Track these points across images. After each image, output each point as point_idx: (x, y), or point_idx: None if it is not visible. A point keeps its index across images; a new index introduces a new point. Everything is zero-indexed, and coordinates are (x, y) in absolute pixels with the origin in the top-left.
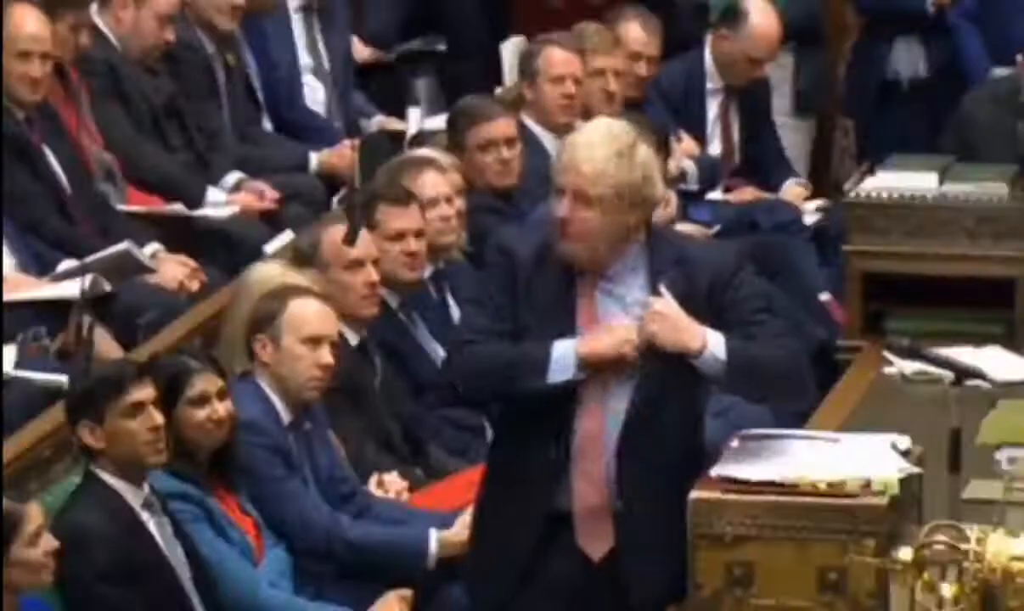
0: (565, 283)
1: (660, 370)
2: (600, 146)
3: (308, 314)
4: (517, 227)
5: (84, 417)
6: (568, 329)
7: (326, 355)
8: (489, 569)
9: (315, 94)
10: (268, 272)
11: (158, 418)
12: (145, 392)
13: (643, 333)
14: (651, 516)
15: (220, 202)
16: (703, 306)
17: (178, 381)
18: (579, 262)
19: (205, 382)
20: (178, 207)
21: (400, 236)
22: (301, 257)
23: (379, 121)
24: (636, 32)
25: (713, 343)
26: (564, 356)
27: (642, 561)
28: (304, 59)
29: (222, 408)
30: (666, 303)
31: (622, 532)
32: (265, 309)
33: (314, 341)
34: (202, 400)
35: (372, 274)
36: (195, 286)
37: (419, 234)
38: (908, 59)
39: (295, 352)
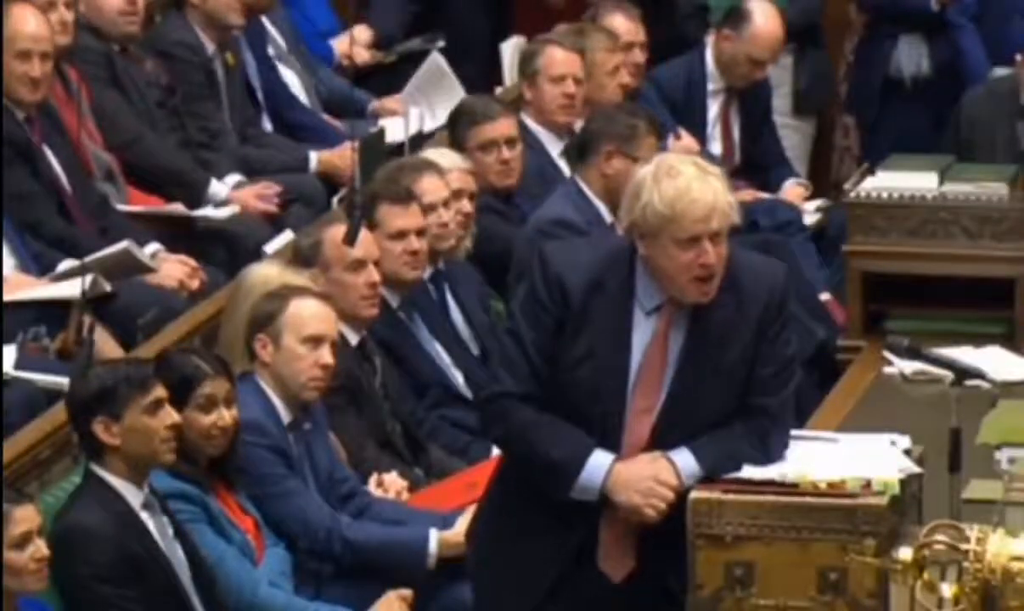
0: (624, 312)
1: (692, 402)
2: (714, 178)
3: (308, 314)
4: (563, 247)
5: (102, 413)
6: (625, 359)
7: (326, 355)
8: (509, 586)
9: (290, 81)
10: (268, 272)
11: (175, 416)
12: (162, 390)
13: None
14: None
15: (221, 197)
16: (750, 332)
17: (188, 383)
18: (707, 299)
19: (215, 386)
20: (178, 207)
21: (402, 235)
22: (303, 257)
23: (374, 107)
24: (622, 23)
25: (687, 474)
26: (591, 480)
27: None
28: (269, 51)
29: (228, 416)
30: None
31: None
32: (265, 309)
33: (314, 341)
34: (210, 405)
35: (373, 274)
36: (195, 284)
37: (420, 233)
38: (911, 57)
39: (295, 352)
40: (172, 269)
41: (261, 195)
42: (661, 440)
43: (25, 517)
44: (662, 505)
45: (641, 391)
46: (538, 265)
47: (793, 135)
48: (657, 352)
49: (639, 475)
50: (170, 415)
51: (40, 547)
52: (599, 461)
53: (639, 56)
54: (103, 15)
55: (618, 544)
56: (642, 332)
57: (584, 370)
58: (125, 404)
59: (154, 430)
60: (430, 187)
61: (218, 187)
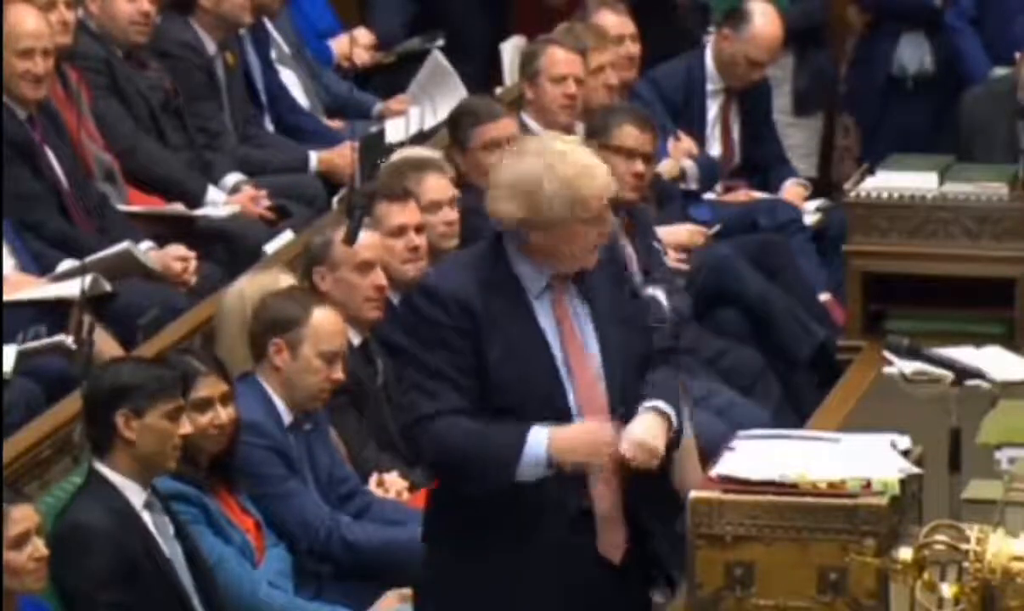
0: (521, 303)
1: (622, 354)
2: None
3: (330, 328)
4: (440, 272)
5: (126, 405)
6: (542, 342)
7: (338, 371)
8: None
9: (290, 84)
10: (266, 272)
11: (188, 427)
12: (182, 401)
13: (625, 458)
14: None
15: (219, 202)
16: (611, 283)
17: (183, 383)
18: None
19: (209, 386)
20: (178, 207)
21: (401, 231)
22: (312, 254)
23: (380, 109)
24: (610, 18)
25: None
26: (535, 455)
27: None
28: (270, 54)
29: (224, 414)
30: (637, 435)
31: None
32: (287, 313)
33: (330, 357)
34: (205, 405)
35: (380, 278)
36: (191, 274)
37: (419, 229)
38: (914, 54)
39: (312, 365)
40: (166, 259)
41: (256, 198)
42: (616, 401)
43: (23, 517)
44: (607, 451)
45: (575, 361)
46: (423, 298)
47: (798, 134)
48: (565, 322)
49: (574, 435)
50: (184, 425)
51: (38, 546)
52: (537, 436)
53: (632, 48)
54: (115, 23)
55: (610, 519)
56: (544, 313)
57: (508, 369)
58: (151, 403)
59: (170, 435)
60: (436, 185)
61: (215, 194)
